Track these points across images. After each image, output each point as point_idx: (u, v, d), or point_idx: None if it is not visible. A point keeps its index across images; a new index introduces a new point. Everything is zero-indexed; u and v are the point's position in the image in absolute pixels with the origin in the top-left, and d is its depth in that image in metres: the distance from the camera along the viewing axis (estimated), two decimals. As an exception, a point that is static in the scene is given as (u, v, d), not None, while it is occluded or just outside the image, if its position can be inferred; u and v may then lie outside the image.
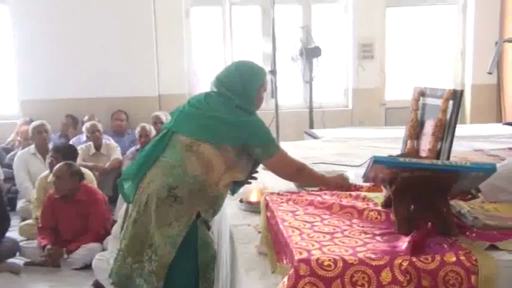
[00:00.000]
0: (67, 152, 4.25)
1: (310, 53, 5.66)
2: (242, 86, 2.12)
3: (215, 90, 2.15)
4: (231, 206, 2.27)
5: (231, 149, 2.00)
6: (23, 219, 4.44)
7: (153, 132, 5.05)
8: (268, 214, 1.57)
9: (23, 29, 5.70)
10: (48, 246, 3.69)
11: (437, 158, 1.73)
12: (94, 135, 5.05)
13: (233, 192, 2.22)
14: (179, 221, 2.00)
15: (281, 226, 1.39)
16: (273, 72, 3.00)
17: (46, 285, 3.50)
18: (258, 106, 2.22)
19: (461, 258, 1.18)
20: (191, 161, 2.01)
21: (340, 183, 2.08)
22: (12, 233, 4.04)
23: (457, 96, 1.75)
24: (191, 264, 2.06)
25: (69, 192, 3.77)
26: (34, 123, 4.97)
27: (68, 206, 3.77)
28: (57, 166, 3.80)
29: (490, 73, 3.29)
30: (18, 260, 3.80)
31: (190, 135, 2.04)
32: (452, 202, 1.39)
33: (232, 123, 2.03)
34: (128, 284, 2.12)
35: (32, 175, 4.68)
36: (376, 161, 1.28)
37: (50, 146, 4.72)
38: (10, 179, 4.95)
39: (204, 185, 2.00)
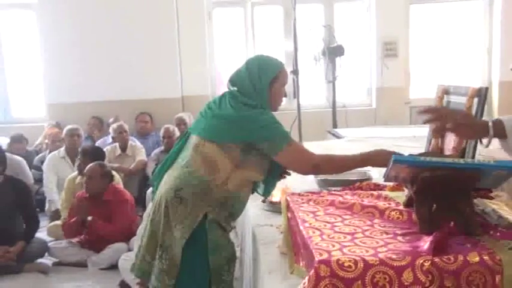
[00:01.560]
0: (95, 154, 4.32)
1: (332, 52, 5.63)
2: (250, 81, 2.06)
3: (229, 89, 2.13)
4: (253, 206, 2.27)
5: (235, 147, 1.94)
6: (52, 220, 4.54)
7: (177, 133, 5.09)
8: (289, 215, 1.57)
9: (49, 35, 5.81)
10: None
11: (462, 156, 1.70)
12: (121, 136, 5.12)
13: (263, 193, 2.16)
14: (183, 223, 2.00)
15: (301, 227, 1.39)
16: (295, 72, 3.00)
17: (73, 284, 3.57)
18: (276, 103, 2.13)
19: (484, 258, 1.15)
20: (197, 161, 1.99)
21: (383, 157, 1.83)
22: (41, 234, 4.14)
23: (482, 93, 1.72)
24: (203, 266, 2.05)
25: (98, 192, 3.84)
26: (69, 126, 5.11)
27: (95, 205, 3.83)
28: (90, 165, 3.86)
29: (513, 70, 3.22)
30: (46, 260, 3.89)
31: (199, 135, 2.03)
32: (476, 201, 1.37)
33: (233, 119, 1.97)
34: (148, 279, 2.15)
35: (60, 179, 4.77)
36: (396, 160, 1.27)
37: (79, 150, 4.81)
38: (39, 180, 5.06)
39: (209, 185, 1.95)
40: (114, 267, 3.67)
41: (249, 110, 1.99)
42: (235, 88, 2.10)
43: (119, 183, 4.22)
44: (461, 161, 1.35)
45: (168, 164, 2.13)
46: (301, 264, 1.32)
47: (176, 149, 2.15)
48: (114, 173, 4.19)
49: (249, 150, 1.95)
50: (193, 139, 2.05)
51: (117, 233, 3.81)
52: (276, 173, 2.13)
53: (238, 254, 2.76)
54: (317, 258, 1.16)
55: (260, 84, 2.06)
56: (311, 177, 2.48)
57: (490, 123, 1.42)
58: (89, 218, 3.75)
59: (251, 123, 1.95)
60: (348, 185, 2.16)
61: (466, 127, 1.43)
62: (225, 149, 1.95)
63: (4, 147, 4.97)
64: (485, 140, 1.45)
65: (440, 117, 1.47)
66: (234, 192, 1.99)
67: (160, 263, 2.07)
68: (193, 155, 2.01)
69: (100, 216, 3.82)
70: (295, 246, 1.48)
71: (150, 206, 2.28)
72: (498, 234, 1.27)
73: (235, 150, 1.94)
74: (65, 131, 5.09)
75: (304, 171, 2.09)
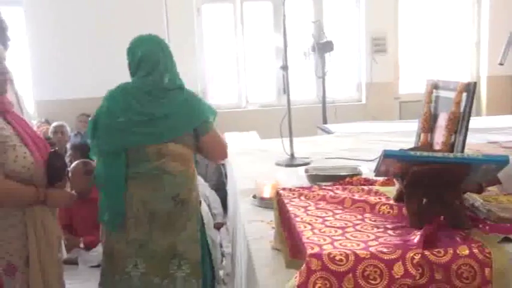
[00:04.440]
0: (85, 150, 4.30)
1: (322, 47, 5.64)
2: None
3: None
4: (244, 202, 2.28)
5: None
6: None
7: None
8: (281, 210, 1.57)
9: (37, 31, 5.76)
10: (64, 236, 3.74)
11: (451, 151, 1.71)
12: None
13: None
14: (191, 220, 2.04)
15: (293, 221, 1.40)
16: (285, 67, 2.99)
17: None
18: None
19: (474, 251, 1.17)
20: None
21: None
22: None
23: (470, 88, 1.73)
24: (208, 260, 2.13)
25: (82, 191, 3.81)
26: (54, 124, 5.07)
27: (82, 204, 3.81)
28: (73, 164, 3.84)
29: (501, 64, 3.25)
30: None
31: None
32: (465, 195, 1.38)
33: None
34: None
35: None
36: (387, 155, 1.28)
37: (68, 146, 4.79)
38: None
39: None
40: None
41: None
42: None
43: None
44: (451, 155, 1.36)
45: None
46: (298, 257, 1.33)
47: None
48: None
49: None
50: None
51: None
52: None
53: (229, 249, 2.78)
54: (308, 252, 1.17)
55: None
56: (301, 173, 2.49)
57: None
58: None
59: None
60: (338, 180, 2.17)
61: None
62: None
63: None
64: None
65: None
66: None
67: (181, 271, 2.11)
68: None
69: (88, 216, 3.80)
70: (290, 240, 1.48)
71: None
72: (487, 227, 1.28)
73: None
74: (50, 128, 5.07)
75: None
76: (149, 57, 2.28)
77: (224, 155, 2.50)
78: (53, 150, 2.12)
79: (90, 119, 2.36)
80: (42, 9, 5.71)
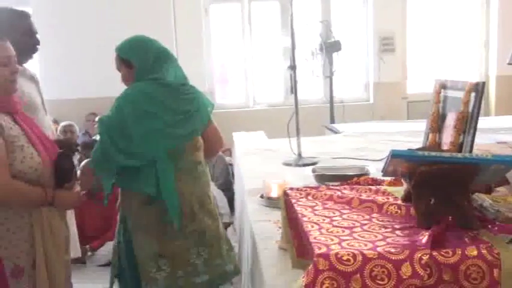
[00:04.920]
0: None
1: (330, 47, 5.63)
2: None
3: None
4: (251, 201, 2.28)
5: None
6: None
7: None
8: (288, 209, 1.57)
9: (46, 30, 5.77)
10: None
11: (460, 151, 1.71)
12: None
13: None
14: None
15: (300, 221, 1.39)
16: (293, 67, 2.99)
17: (72, 281, 3.57)
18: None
19: (483, 251, 1.16)
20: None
21: None
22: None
23: (479, 88, 1.73)
24: None
25: (91, 190, 3.83)
26: (63, 123, 5.10)
27: (91, 203, 3.83)
28: (83, 162, 3.85)
29: (510, 64, 3.24)
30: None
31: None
32: (474, 195, 1.37)
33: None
34: None
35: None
36: (394, 154, 1.27)
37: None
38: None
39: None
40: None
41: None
42: None
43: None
44: (459, 155, 1.35)
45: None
46: (306, 257, 1.33)
47: None
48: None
49: None
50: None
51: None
52: None
53: (236, 249, 2.78)
54: (316, 252, 1.17)
55: None
56: (309, 172, 2.49)
57: None
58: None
59: None
60: (346, 179, 2.17)
61: None
62: None
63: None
64: None
65: None
66: None
67: (227, 249, 2.36)
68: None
69: (97, 215, 3.82)
70: (297, 239, 1.48)
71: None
72: (496, 228, 1.27)
73: None
74: (59, 127, 5.09)
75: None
76: (163, 55, 2.29)
77: (222, 144, 2.56)
78: (61, 151, 2.12)
79: (104, 130, 2.24)
80: (51, 8, 5.75)
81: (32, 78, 2.68)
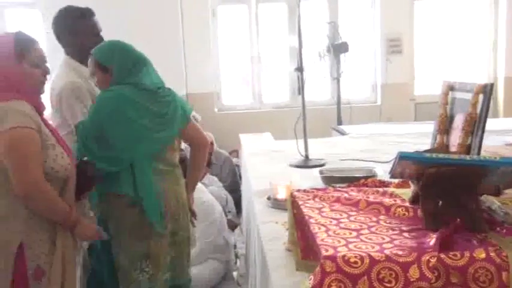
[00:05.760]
0: None
1: (337, 48, 5.62)
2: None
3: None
4: (258, 203, 2.28)
5: None
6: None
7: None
8: (295, 211, 1.57)
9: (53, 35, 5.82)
10: None
11: (468, 153, 1.70)
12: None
13: None
14: None
15: (307, 223, 1.39)
16: (300, 68, 2.99)
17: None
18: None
19: (491, 254, 1.15)
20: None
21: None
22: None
23: (487, 89, 1.72)
24: None
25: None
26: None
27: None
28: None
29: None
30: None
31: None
32: (482, 198, 1.37)
33: None
34: None
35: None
36: (402, 156, 1.27)
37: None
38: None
39: None
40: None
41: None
42: None
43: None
44: (467, 157, 1.35)
45: None
46: (312, 258, 1.33)
47: None
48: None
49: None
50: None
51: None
52: None
53: (244, 251, 2.78)
54: (323, 254, 1.17)
55: None
56: (316, 174, 2.48)
57: None
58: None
59: None
60: (353, 181, 2.16)
61: None
62: None
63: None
64: None
65: None
66: None
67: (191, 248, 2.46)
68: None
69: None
70: (303, 241, 1.48)
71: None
72: (504, 231, 1.27)
73: None
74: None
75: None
76: (141, 60, 2.30)
77: (207, 143, 2.52)
78: (83, 159, 2.12)
79: (79, 139, 2.24)
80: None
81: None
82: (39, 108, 1.95)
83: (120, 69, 2.26)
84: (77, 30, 2.51)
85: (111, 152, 2.19)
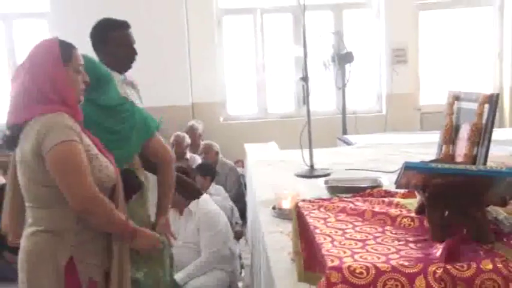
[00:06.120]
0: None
1: (342, 58, 5.63)
2: None
3: None
4: (264, 213, 2.27)
5: None
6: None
7: (187, 140, 5.12)
8: (300, 221, 1.57)
9: (61, 42, 5.87)
10: None
11: (474, 163, 1.69)
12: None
13: None
14: None
15: (312, 233, 1.39)
16: (305, 78, 2.99)
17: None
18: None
19: (498, 265, 1.14)
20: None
21: None
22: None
23: (493, 99, 1.71)
24: None
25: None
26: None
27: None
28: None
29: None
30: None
31: None
32: (488, 208, 1.36)
33: None
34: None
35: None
36: (408, 167, 1.27)
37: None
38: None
39: None
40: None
41: None
42: None
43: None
44: (473, 167, 1.34)
45: None
46: (316, 270, 1.32)
47: None
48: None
49: None
50: None
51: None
52: None
53: (249, 261, 2.77)
54: (328, 264, 1.16)
55: None
56: (321, 184, 2.48)
57: None
58: None
59: None
60: (359, 191, 2.16)
61: None
62: None
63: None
64: None
65: None
66: None
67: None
68: None
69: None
70: (307, 252, 1.47)
71: None
72: (511, 241, 1.26)
73: None
74: None
75: None
76: (104, 77, 2.28)
77: (170, 156, 2.48)
78: (125, 167, 2.12)
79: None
80: (66, 21, 5.82)
81: (132, 84, 2.76)
82: (78, 118, 1.92)
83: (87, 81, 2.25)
84: (109, 39, 2.57)
85: None
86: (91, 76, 2.14)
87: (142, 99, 2.77)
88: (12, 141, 1.88)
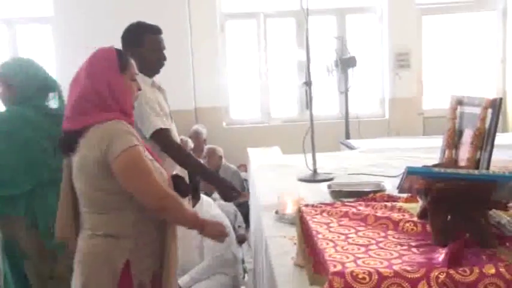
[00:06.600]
0: None
1: (345, 63, 5.63)
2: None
3: None
4: (266, 217, 2.27)
5: None
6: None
7: (190, 144, 5.13)
8: (303, 226, 1.57)
9: (64, 48, 5.89)
10: None
11: (477, 167, 1.69)
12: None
13: None
14: None
15: (315, 238, 1.39)
16: (308, 83, 2.99)
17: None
18: None
19: (501, 270, 1.14)
20: None
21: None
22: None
23: (496, 104, 1.71)
24: None
25: None
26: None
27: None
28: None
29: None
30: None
31: None
32: (491, 212, 1.36)
33: None
34: None
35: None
36: (410, 171, 1.27)
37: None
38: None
39: None
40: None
41: None
42: None
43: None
44: (476, 172, 1.34)
45: None
46: (323, 273, 1.32)
47: None
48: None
49: None
50: None
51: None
52: None
53: (252, 265, 2.77)
54: (331, 270, 1.16)
55: None
56: (324, 188, 2.48)
57: None
58: None
59: None
60: (361, 196, 2.15)
61: None
62: None
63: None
64: None
65: None
66: None
67: None
68: None
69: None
70: (314, 256, 1.47)
71: None
72: (514, 246, 1.26)
73: None
74: None
75: None
76: (49, 84, 2.26)
77: None
78: (175, 173, 2.15)
79: None
80: (69, 26, 5.84)
81: (160, 89, 2.81)
82: (133, 125, 1.96)
83: (23, 89, 2.21)
84: (144, 42, 2.61)
85: (9, 176, 2.14)
86: (31, 83, 2.13)
87: (168, 101, 2.83)
88: (68, 146, 1.89)
